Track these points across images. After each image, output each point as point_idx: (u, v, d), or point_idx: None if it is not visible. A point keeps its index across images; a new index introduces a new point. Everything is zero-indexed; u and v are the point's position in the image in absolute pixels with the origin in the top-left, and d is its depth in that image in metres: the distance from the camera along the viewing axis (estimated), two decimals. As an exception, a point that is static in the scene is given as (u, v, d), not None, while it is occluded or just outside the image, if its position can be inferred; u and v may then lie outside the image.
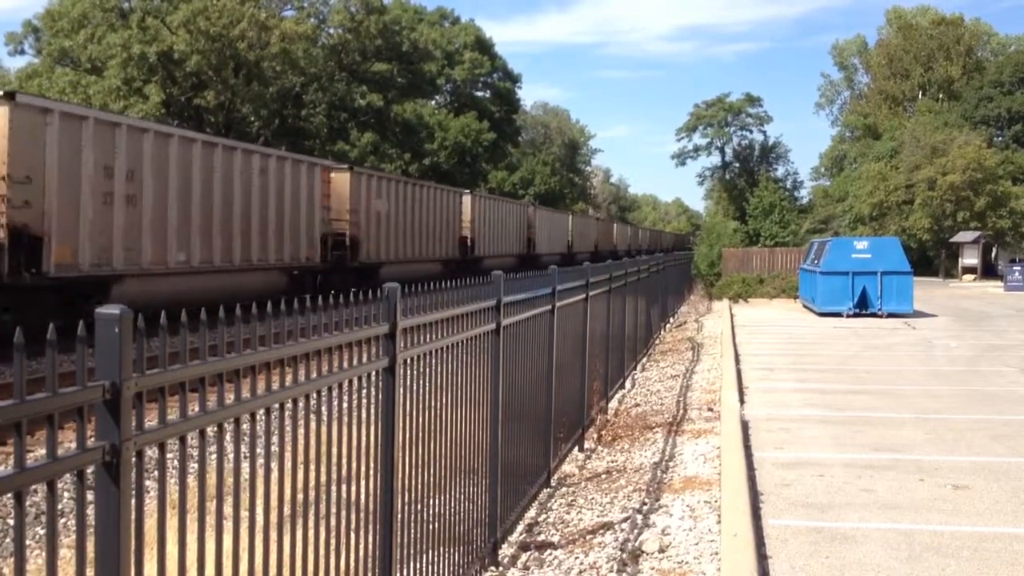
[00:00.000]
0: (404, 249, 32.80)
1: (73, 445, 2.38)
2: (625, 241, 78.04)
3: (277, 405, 3.39)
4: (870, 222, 61.93)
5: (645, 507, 7.66)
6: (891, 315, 27.22)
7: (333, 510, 3.81)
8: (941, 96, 78.33)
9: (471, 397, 5.87)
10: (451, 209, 38.17)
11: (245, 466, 4.15)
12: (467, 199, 40.21)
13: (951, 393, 13.84)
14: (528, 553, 6.61)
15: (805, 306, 31.96)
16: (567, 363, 9.46)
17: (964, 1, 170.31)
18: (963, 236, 57.78)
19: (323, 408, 3.79)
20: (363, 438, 4.16)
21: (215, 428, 3.03)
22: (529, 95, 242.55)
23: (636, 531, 7.02)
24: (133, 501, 2.50)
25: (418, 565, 4.84)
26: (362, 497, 4.15)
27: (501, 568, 6.30)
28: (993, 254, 60.62)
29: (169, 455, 2.79)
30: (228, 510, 3.07)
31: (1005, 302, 36.15)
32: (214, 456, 3.05)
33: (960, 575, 6.24)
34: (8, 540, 7.06)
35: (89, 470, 2.40)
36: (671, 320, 26.14)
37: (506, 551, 6.61)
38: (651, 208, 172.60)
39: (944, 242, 60.07)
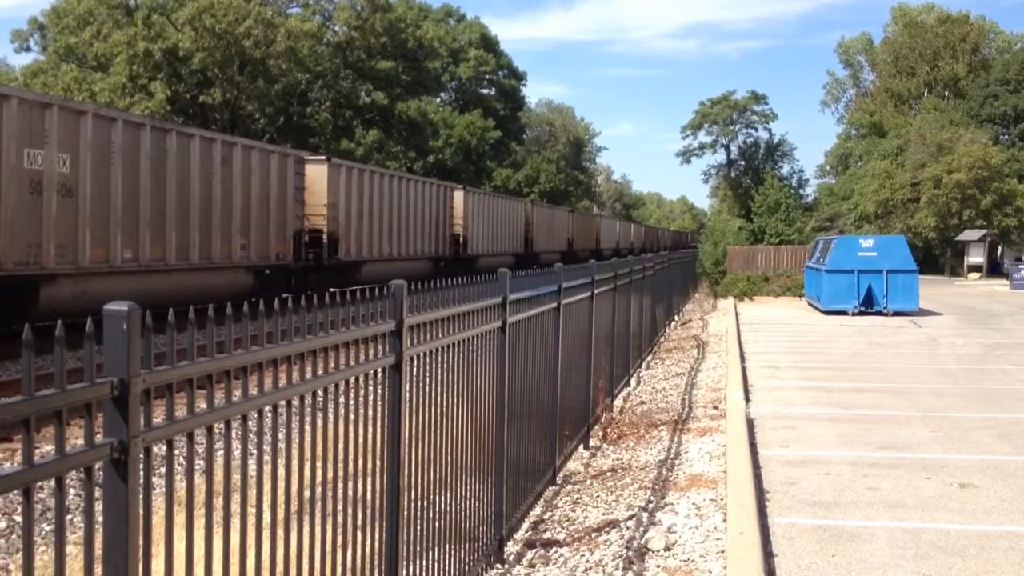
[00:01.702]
0: (388, 247, 30.57)
1: (81, 442, 2.38)
2: (628, 239, 76.52)
3: (284, 402, 3.39)
4: (875, 220, 61.84)
5: (651, 505, 7.66)
6: (897, 313, 27.18)
7: (340, 507, 3.81)
8: (947, 94, 78.19)
9: (477, 394, 5.87)
10: (441, 205, 35.95)
11: (252, 463, 4.16)
12: (459, 195, 38.04)
13: (957, 391, 13.81)
14: (534, 551, 6.61)
15: (810, 304, 31.92)
16: (572, 361, 9.46)
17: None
18: (969, 234, 57.67)
19: (330, 405, 3.79)
20: (370, 435, 4.16)
21: (223, 425, 3.03)
22: (534, 93, 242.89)
23: (642, 529, 7.02)
24: (141, 497, 2.50)
25: (424, 562, 4.84)
26: (368, 494, 4.15)
27: (507, 565, 6.30)
28: (999, 252, 60.49)
29: (177, 452, 2.78)
30: (235, 507, 3.07)
31: (1011, 300, 36.08)
32: (221, 453, 3.05)
33: (966, 573, 6.23)
34: (16, 536, 7.07)
35: (97, 467, 2.40)
36: (676, 318, 26.12)
37: (512, 548, 6.61)
38: (656, 206, 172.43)
39: (950, 240, 59.96)
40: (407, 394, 4.57)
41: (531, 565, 6.35)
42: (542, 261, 44.20)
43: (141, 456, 2.50)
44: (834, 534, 7.01)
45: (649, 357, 17.43)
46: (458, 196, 38.03)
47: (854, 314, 27.24)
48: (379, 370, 4.30)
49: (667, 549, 6.54)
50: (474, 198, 39.86)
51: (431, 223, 34.80)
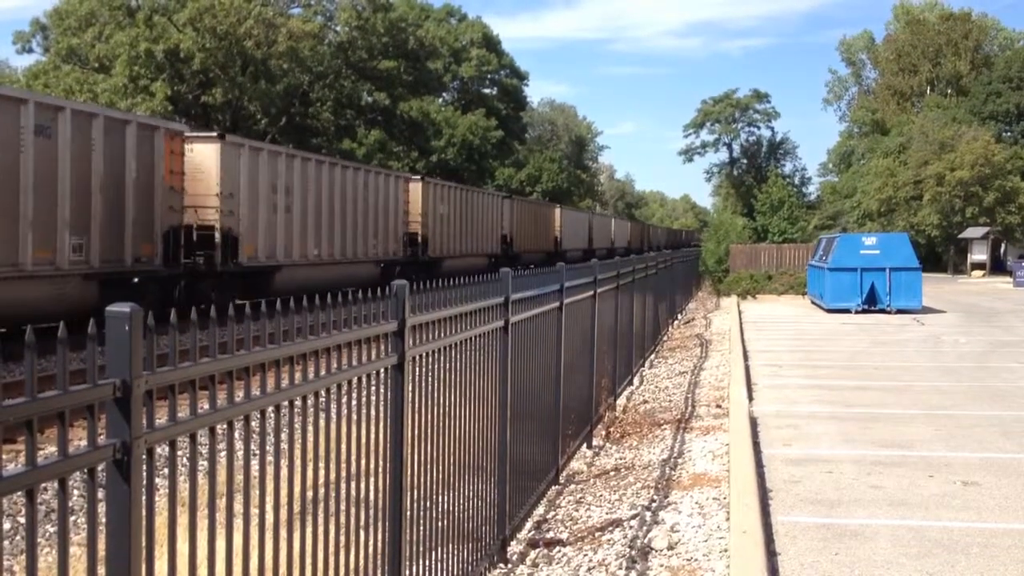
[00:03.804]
0: (314, 248, 25.99)
1: (84, 443, 2.39)
2: (624, 238, 73.94)
3: (286, 402, 3.40)
4: (878, 218, 61.79)
5: (654, 504, 7.66)
6: (900, 311, 27.16)
7: (343, 507, 3.81)
8: (949, 91, 78.10)
9: (479, 394, 5.87)
10: (392, 199, 31.29)
11: (255, 463, 4.16)
12: (415, 187, 33.23)
13: (960, 389, 13.80)
14: (537, 550, 6.61)
15: (813, 302, 31.89)
16: (575, 360, 9.46)
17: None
18: (972, 232, 57.62)
19: (332, 405, 3.79)
20: (372, 435, 4.17)
21: (225, 425, 3.03)
22: (537, 91, 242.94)
23: (645, 528, 7.02)
24: (144, 498, 2.51)
25: (427, 562, 4.84)
26: (371, 494, 4.15)
27: (510, 565, 6.30)
28: (1002, 250, 60.44)
29: (179, 452, 2.79)
30: (238, 507, 3.08)
31: (1014, 297, 36.03)
32: (224, 453, 3.06)
33: (970, 571, 6.22)
34: (20, 537, 7.08)
35: (100, 467, 2.41)
36: (679, 317, 26.11)
37: (515, 548, 6.61)
38: (659, 205, 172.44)
39: (953, 238, 59.90)
40: (409, 394, 4.57)
41: (534, 565, 6.35)
42: (524, 262, 39.95)
43: (144, 457, 2.51)
44: (837, 532, 7.01)
45: (652, 356, 17.42)
46: (414, 188, 33.30)
47: (857, 312, 27.22)
48: (381, 370, 4.30)
49: (670, 548, 6.54)
50: (434, 190, 34.91)
51: (380, 220, 30.17)
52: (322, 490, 3.68)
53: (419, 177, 34.49)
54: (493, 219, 41.27)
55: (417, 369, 4.74)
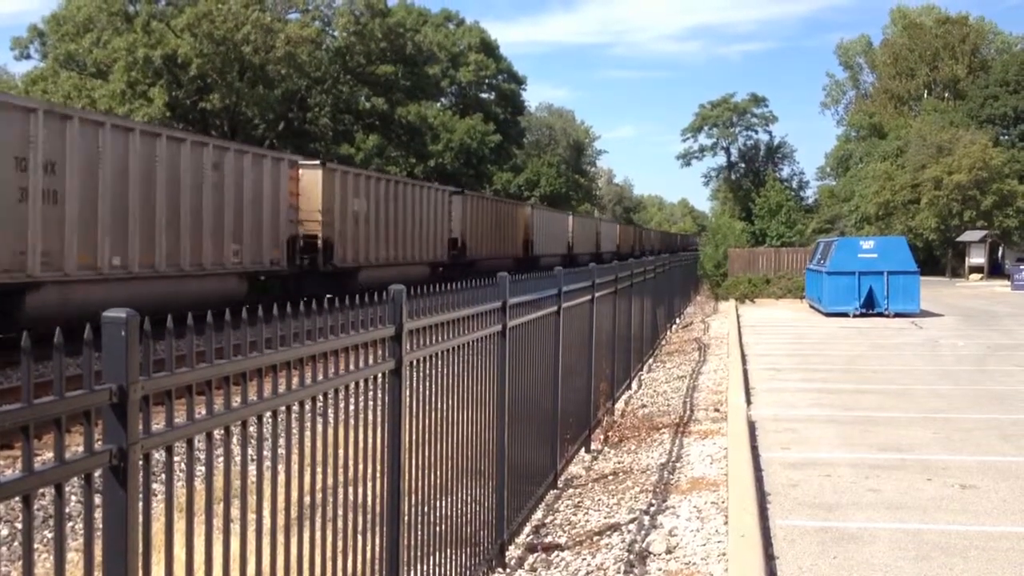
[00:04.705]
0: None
1: (80, 449, 2.39)
2: (613, 242, 68.14)
3: (284, 408, 3.40)
4: (876, 222, 61.85)
5: (652, 508, 7.66)
6: (898, 315, 27.18)
7: (340, 512, 3.81)
8: (946, 95, 78.23)
9: (477, 399, 5.87)
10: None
11: (252, 469, 4.16)
12: (457, 199, 35.36)
13: (958, 393, 13.81)
14: (535, 555, 6.61)
15: (812, 306, 31.91)
16: (573, 364, 9.46)
17: (969, 0, 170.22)
18: (969, 235, 57.68)
19: (330, 411, 3.79)
20: (370, 440, 4.17)
21: (222, 431, 3.03)
22: (535, 96, 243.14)
23: (643, 532, 7.02)
24: (140, 504, 2.51)
25: (425, 567, 4.84)
26: (369, 499, 4.15)
27: (508, 570, 6.30)
28: (1000, 253, 60.47)
29: (176, 458, 2.79)
30: (235, 513, 3.08)
31: (1012, 301, 36.06)
32: (221, 459, 3.06)
33: (968, 574, 6.23)
34: (16, 543, 7.07)
35: (96, 473, 2.41)
36: (677, 321, 26.11)
37: (513, 553, 6.61)
38: (657, 209, 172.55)
39: (950, 241, 59.96)
40: (407, 399, 4.57)
41: (532, 569, 6.35)
42: (481, 271, 39.31)
43: (140, 463, 2.51)
44: (835, 536, 7.01)
45: (650, 360, 17.42)
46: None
47: (855, 316, 27.24)
48: (379, 375, 4.30)
49: (668, 552, 6.54)
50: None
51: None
52: (320, 495, 3.68)
53: (318, 163, 27.27)
54: (437, 219, 34.64)
55: (415, 374, 4.74)
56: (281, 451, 3.44)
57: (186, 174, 20.04)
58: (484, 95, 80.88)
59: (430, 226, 33.73)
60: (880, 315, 27.30)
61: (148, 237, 18.86)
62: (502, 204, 45.12)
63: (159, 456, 2.69)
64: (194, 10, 48.11)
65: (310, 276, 25.76)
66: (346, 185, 27.34)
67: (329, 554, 3.69)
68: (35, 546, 2.25)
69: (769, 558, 6.33)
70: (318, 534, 3.61)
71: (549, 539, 7.01)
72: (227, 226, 21.73)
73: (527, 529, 7.20)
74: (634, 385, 14.59)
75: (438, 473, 5.08)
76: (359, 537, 4.01)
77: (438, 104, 74.79)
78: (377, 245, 29.26)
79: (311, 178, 26.10)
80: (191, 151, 20.40)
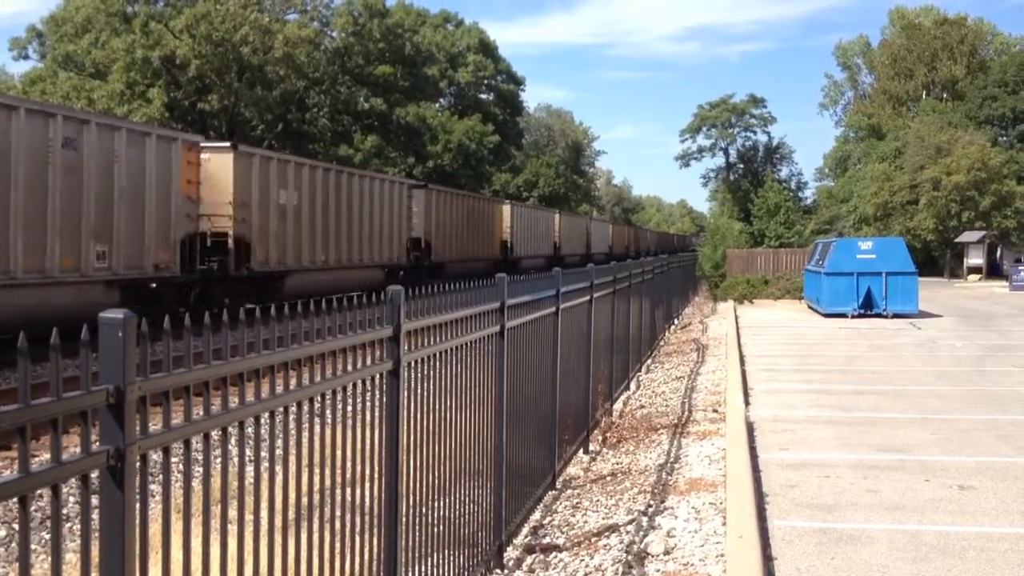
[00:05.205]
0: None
1: (78, 450, 2.39)
2: (605, 243, 67.01)
3: (281, 409, 3.40)
4: (875, 222, 61.83)
5: (650, 509, 7.65)
6: (896, 315, 27.18)
7: (338, 513, 3.81)
8: (945, 96, 78.24)
9: (475, 399, 5.87)
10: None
11: (250, 470, 4.16)
12: (418, 193, 32.22)
13: (957, 393, 13.81)
14: (533, 556, 6.61)
15: (810, 307, 31.91)
16: (571, 365, 9.46)
17: (967, 1, 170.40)
18: (968, 236, 57.68)
19: (328, 411, 3.79)
20: (368, 441, 4.16)
21: (219, 432, 3.03)
22: (535, 96, 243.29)
23: (641, 533, 7.01)
24: (138, 505, 2.50)
25: (423, 568, 4.84)
26: (367, 500, 4.15)
27: (506, 571, 6.30)
28: (998, 254, 60.48)
29: (174, 459, 2.79)
30: (233, 514, 3.07)
31: (1010, 302, 36.07)
32: (219, 460, 3.05)
33: (966, 575, 6.23)
34: (13, 545, 7.07)
35: (94, 474, 2.40)
36: (676, 321, 26.11)
37: (511, 554, 6.61)
38: (655, 209, 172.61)
39: (949, 242, 59.95)
40: (405, 399, 4.57)
41: (531, 570, 6.34)
42: (449, 275, 36.03)
43: (137, 463, 2.50)
44: (834, 537, 7.01)
45: (649, 361, 17.42)
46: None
47: (854, 316, 27.24)
48: (377, 376, 4.30)
49: (667, 553, 6.53)
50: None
51: (385, 226, 29.49)
52: (318, 496, 3.67)
53: (229, 145, 22.88)
54: (394, 216, 31.23)
55: (413, 374, 4.74)
56: (279, 452, 3.44)
57: (21, 153, 15.57)
58: (483, 96, 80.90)
59: (385, 224, 30.19)
60: (878, 316, 27.30)
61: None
62: (475, 200, 41.46)
63: (156, 457, 2.69)
64: (192, 11, 48.14)
65: (220, 283, 21.81)
66: (268, 173, 23.13)
67: (327, 555, 3.69)
68: (32, 547, 2.24)
69: (767, 559, 6.33)
70: (316, 535, 3.61)
71: (547, 540, 7.01)
72: (87, 222, 17.19)
73: (525, 530, 7.20)
74: (632, 386, 14.59)
75: (436, 474, 5.08)
76: (357, 538, 4.01)
77: (437, 105, 74.79)
78: (313, 245, 25.43)
79: (220, 163, 21.63)
80: (27, 122, 15.69)
